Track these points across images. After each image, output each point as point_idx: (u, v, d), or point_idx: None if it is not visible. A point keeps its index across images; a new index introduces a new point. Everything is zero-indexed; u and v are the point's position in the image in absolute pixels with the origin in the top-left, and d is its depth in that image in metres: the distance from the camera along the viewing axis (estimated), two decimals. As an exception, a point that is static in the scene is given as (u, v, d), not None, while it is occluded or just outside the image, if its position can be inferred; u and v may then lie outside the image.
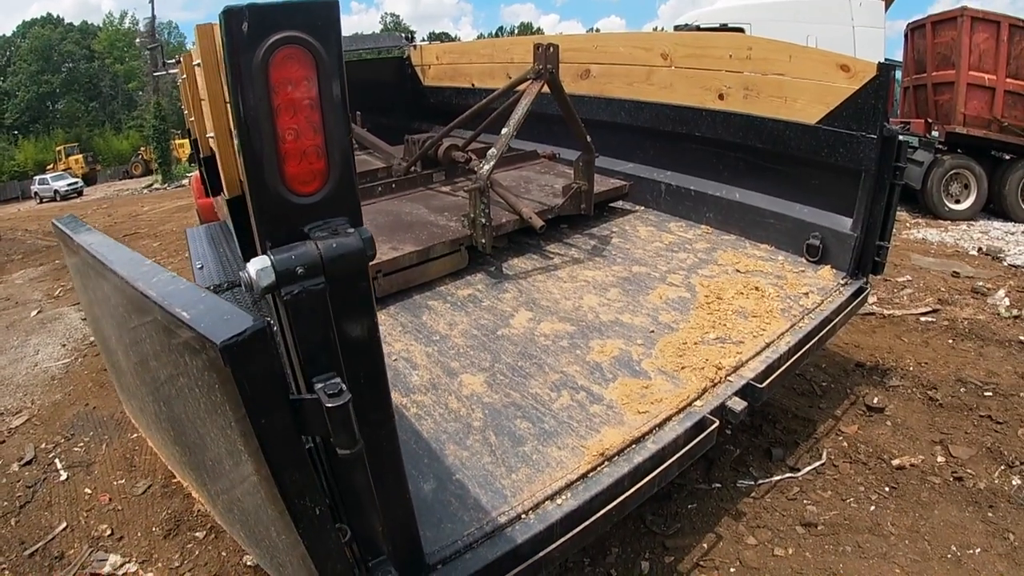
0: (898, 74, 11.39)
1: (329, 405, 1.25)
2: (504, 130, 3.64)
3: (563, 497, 2.09)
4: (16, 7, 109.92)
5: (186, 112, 4.62)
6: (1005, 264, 7.35)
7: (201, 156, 3.42)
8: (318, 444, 1.40)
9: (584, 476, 2.16)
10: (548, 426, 2.37)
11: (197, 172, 7.47)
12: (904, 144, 3.33)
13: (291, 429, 1.28)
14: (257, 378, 1.20)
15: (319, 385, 1.29)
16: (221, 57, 2.14)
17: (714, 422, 2.46)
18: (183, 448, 2.10)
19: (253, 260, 1.23)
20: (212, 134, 2.38)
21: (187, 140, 37.62)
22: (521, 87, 3.82)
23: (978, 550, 2.94)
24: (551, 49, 3.66)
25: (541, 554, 1.95)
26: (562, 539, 2.00)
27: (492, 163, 3.51)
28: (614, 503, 2.13)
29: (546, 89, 3.78)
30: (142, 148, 45.83)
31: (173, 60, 7.23)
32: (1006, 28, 9.23)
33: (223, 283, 3.73)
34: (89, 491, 3.64)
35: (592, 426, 2.37)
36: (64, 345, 5.98)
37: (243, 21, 1.17)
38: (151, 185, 34.01)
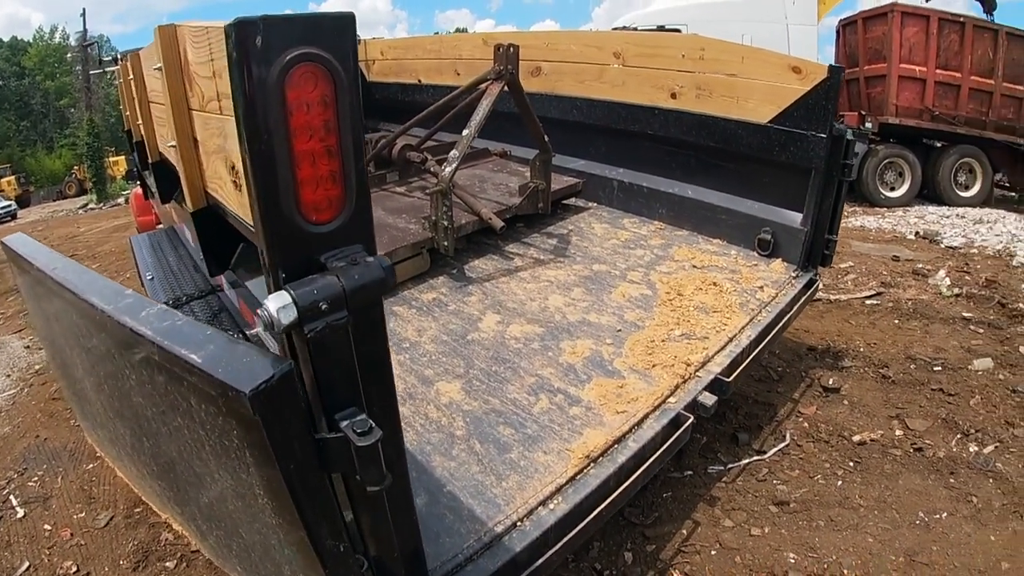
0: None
1: (360, 444, 1.21)
2: (465, 131, 3.62)
3: (555, 502, 2.11)
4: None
5: (127, 114, 4.43)
6: (942, 246, 7.67)
7: (150, 161, 3.27)
8: (332, 479, 1.35)
9: (572, 479, 2.19)
10: (531, 431, 2.39)
11: (137, 188, 7.17)
12: (852, 143, 3.45)
13: (316, 469, 1.24)
14: (285, 422, 1.16)
15: (344, 423, 1.24)
16: (184, 54, 2.06)
17: (689, 417, 2.52)
18: (169, 483, 2.03)
19: (271, 297, 1.16)
20: (173, 143, 2.28)
21: (122, 157, 36.37)
22: (480, 87, 3.81)
23: (944, 514, 3.08)
24: (512, 50, 3.65)
25: (540, 560, 1.96)
26: (558, 543, 2.02)
27: (455, 165, 3.48)
28: (604, 503, 2.16)
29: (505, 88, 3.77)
30: (76, 167, 44.21)
31: (110, 58, 6.96)
32: (935, 22, 9.68)
33: (180, 297, 3.63)
34: (49, 527, 3.50)
35: (574, 428, 2.40)
36: (8, 375, 5.72)
37: (256, 35, 1.09)
38: (86, 205, 32.78)
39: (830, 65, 3.40)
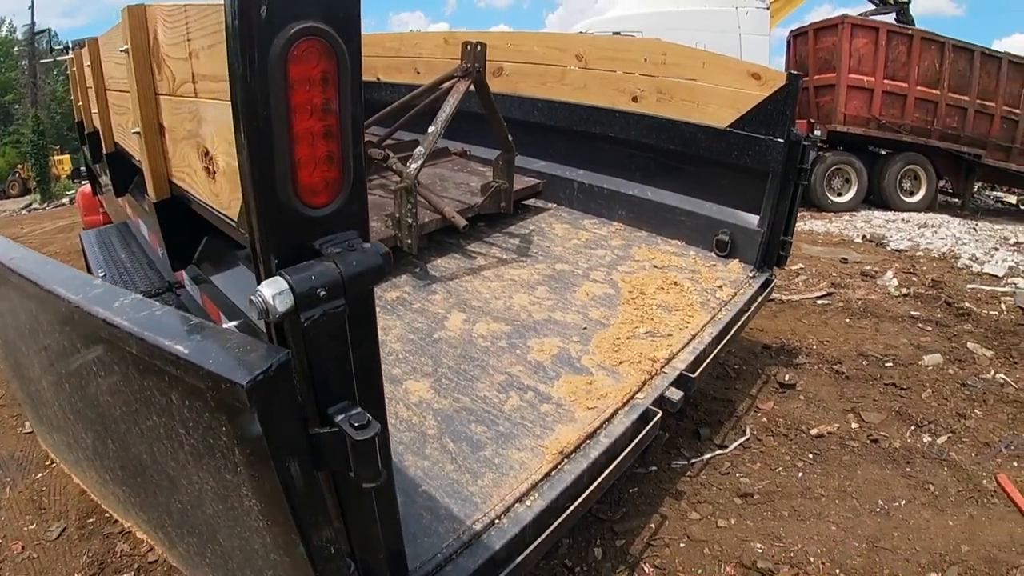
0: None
1: (358, 439, 1.15)
2: (431, 128, 3.61)
3: (531, 498, 2.10)
4: None
5: (79, 104, 4.26)
6: (889, 249, 7.93)
7: (104, 152, 3.12)
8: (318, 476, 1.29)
9: (547, 475, 2.19)
10: (503, 428, 2.39)
11: (85, 187, 6.91)
12: (808, 148, 3.54)
13: (309, 467, 1.19)
14: (282, 416, 1.11)
15: (340, 416, 1.19)
16: (154, 35, 1.98)
17: (657, 412, 2.55)
18: (134, 488, 1.94)
19: (267, 282, 1.10)
20: (137, 129, 2.19)
21: (67, 156, 35.12)
22: (446, 85, 3.80)
23: (903, 502, 3.20)
24: (480, 48, 3.66)
25: (520, 557, 1.95)
26: (536, 540, 2.01)
27: (420, 163, 3.46)
28: (580, 499, 2.17)
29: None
30: (19, 166, 42.67)
31: (61, 47, 6.67)
32: (884, 34, 10.06)
33: (150, 291, 3.52)
34: (-1, 540, 3.37)
35: (546, 425, 2.40)
36: (-52, 384, 5.50)
37: (262, 4, 1.03)
38: (30, 205, 31.60)
39: (789, 72, 3.50)
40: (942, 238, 8.32)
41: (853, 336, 5.08)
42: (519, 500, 2.08)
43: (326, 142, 1.15)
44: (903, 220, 9.60)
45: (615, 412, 2.51)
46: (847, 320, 5.45)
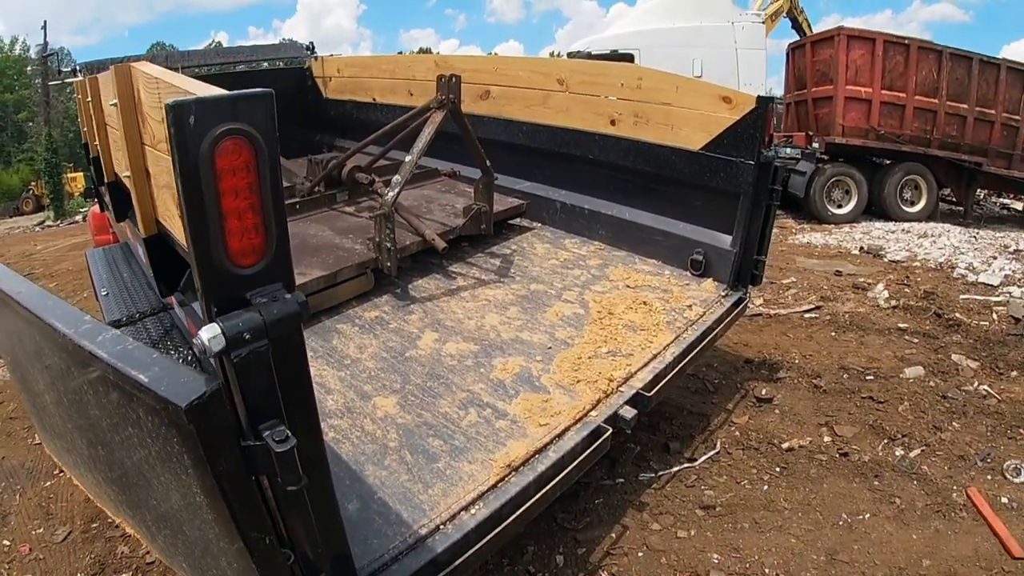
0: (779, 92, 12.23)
1: (278, 451, 1.39)
2: (407, 157, 3.77)
3: (476, 507, 2.27)
4: None
5: (85, 129, 4.53)
6: (885, 260, 7.96)
7: (106, 181, 3.41)
8: (262, 481, 1.53)
9: (494, 487, 2.35)
10: (459, 442, 2.55)
11: (95, 207, 7.17)
12: (779, 169, 3.64)
13: (243, 471, 1.43)
14: (215, 431, 1.34)
15: (266, 432, 1.43)
16: (139, 94, 2.22)
17: (607, 429, 2.68)
18: (121, 488, 2.17)
19: (204, 328, 1.35)
20: (128, 173, 2.43)
21: (80, 174, 35.62)
22: (425, 115, 3.95)
23: (867, 515, 3.27)
24: (454, 79, 3.81)
25: (460, 560, 2.13)
26: (478, 544, 2.18)
27: (397, 190, 3.63)
28: (522, 509, 2.32)
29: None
30: (33, 183, 43.37)
31: (69, 70, 6.94)
32: (881, 44, 10.08)
33: (134, 315, 3.72)
34: (8, 543, 3.57)
35: (498, 440, 2.56)
36: (-37, 396, 5.74)
37: (190, 115, 1.28)
38: (43, 222, 32.07)
39: (758, 96, 3.61)
40: (940, 248, 8.35)
41: (837, 350, 5.16)
42: (464, 508, 2.25)
43: (251, 215, 1.40)
44: (903, 230, 9.64)
45: (566, 429, 2.64)
46: (832, 334, 5.52)
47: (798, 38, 12.22)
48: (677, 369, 3.18)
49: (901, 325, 5.58)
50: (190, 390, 1.30)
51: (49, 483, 4.07)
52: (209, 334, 1.34)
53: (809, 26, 13.08)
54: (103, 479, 2.37)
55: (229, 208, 1.36)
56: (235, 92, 1.36)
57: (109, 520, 3.46)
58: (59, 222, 29.65)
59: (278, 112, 1.44)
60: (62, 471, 3.90)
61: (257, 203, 1.40)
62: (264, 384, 1.45)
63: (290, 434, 1.44)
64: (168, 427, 1.41)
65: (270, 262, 1.45)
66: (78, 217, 27.66)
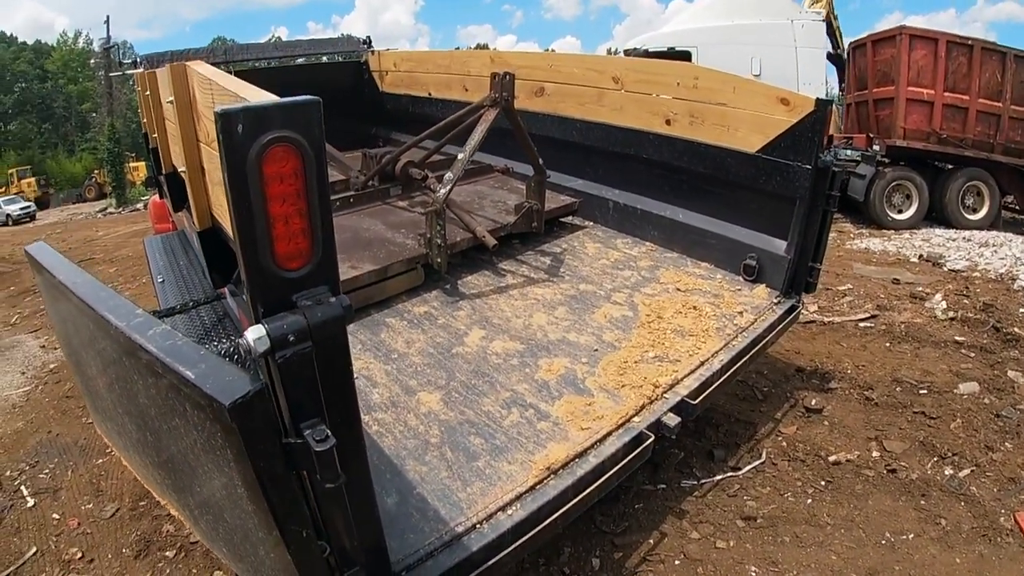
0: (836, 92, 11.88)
1: (318, 450, 1.43)
2: (460, 155, 3.79)
3: (513, 508, 2.28)
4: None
5: (145, 121, 4.66)
6: (945, 269, 7.68)
7: (164, 172, 3.51)
8: (303, 475, 1.57)
9: (532, 489, 2.36)
10: (499, 442, 2.56)
11: (155, 196, 7.37)
12: (838, 174, 3.53)
13: (283, 467, 1.47)
14: (257, 429, 1.38)
15: (307, 431, 1.47)
16: (194, 94, 2.27)
17: (650, 437, 2.66)
18: (167, 472, 2.23)
19: (250, 329, 1.40)
20: (183, 168, 2.50)
21: (142, 163, 36.73)
22: (477, 114, 3.96)
23: (911, 535, 3.16)
24: (507, 78, 3.80)
25: (493, 560, 2.15)
26: (512, 546, 2.19)
27: (449, 187, 3.66)
28: (558, 513, 2.32)
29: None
30: (96, 171, 44.93)
31: (130, 61, 7.13)
32: (943, 45, 9.70)
33: (188, 303, 3.81)
34: (57, 516, 3.70)
35: (539, 442, 2.56)
36: (23, 373, 5.95)
37: (238, 123, 1.32)
38: (105, 209, 33.27)
39: (817, 98, 3.50)
40: (1002, 258, 8.03)
41: (891, 361, 5.01)
42: (501, 509, 2.27)
43: (298, 220, 1.44)
44: (964, 238, 9.28)
45: (608, 434, 2.63)
46: (887, 344, 5.37)
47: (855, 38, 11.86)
48: (724, 377, 3.13)
49: (958, 338, 5.39)
50: (235, 389, 1.34)
51: (101, 460, 4.21)
52: (254, 335, 1.39)
53: (841, 35, 12.72)
54: (150, 462, 2.44)
55: (276, 214, 1.40)
56: (283, 100, 1.39)
57: (156, 500, 3.55)
58: (121, 209, 30.70)
59: (335, 105, 1.47)
60: (113, 449, 4.02)
61: (304, 208, 1.44)
62: (307, 384, 1.48)
63: (330, 433, 1.47)
64: (212, 422, 1.45)
65: (316, 265, 1.49)
66: (139, 205, 28.58)
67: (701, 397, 2.93)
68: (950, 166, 10.51)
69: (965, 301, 6.32)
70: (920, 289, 6.77)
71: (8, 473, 4.21)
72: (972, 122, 9.95)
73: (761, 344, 3.42)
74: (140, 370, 1.73)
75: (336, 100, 7.37)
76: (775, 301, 3.74)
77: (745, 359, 3.28)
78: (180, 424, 1.68)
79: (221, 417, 1.35)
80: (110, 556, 3.37)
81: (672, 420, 2.76)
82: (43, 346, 6.60)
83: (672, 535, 3.21)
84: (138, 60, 6.22)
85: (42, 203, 39.67)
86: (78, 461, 4.26)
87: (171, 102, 2.37)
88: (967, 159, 10.18)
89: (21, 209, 33.78)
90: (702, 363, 3.15)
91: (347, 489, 1.61)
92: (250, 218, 1.38)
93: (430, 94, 6.39)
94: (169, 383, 1.55)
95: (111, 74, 38.10)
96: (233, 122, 1.31)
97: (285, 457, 1.47)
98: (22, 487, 4.02)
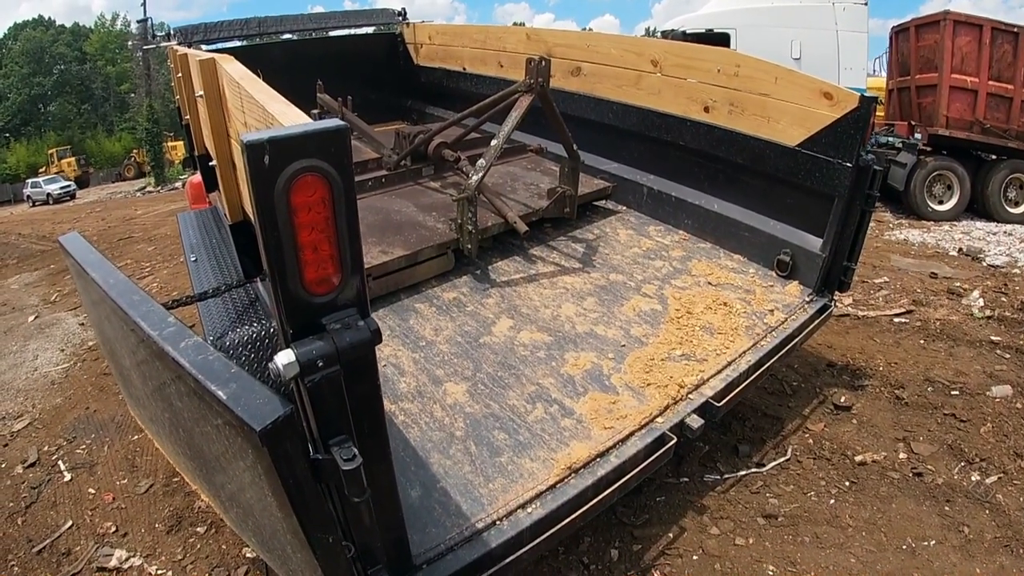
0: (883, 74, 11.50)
1: (345, 468, 1.48)
2: (493, 142, 3.77)
3: (533, 506, 2.31)
4: (5, 7, 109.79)
5: (179, 98, 4.68)
6: (984, 264, 7.52)
7: (196, 154, 3.55)
8: (330, 486, 1.61)
9: (552, 487, 2.38)
10: (523, 438, 2.58)
11: (193, 176, 7.43)
12: (879, 173, 3.45)
13: (311, 481, 1.50)
14: (287, 451, 1.40)
15: (335, 449, 1.51)
16: (223, 91, 2.27)
17: (672, 438, 2.66)
18: (198, 464, 2.27)
19: (280, 354, 1.43)
20: (214, 161, 2.52)
21: (180, 143, 37.25)
22: (512, 97, 3.92)
23: (933, 542, 3.13)
24: (543, 63, 3.75)
25: (512, 557, 2.18)
26: (531, 543, 2.23)
27: (481, 174, 3.63)
28: (578, 512, 2.35)
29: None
30: (135, 151, 45.65)
31: (163, 34, 7.15)
32: (988, 31, 9.38)
33: (220, 287, 3.85)
34: (93, 491, 3.81)
35: (562, 440, 2.58)
36: (63, 350, 6.10)
37: (264, 154, 1.31)
38: (144, 188, 33.87)
39: (862, 95, 3.40)
40: (1044, 255, 7.85)
41: (924, 360, 4.92)
42: (522, 506, 2.30)
43: (327, 247, 1.46)
44: (1005, 232, 9.07)
45: (631, 434, 2.64)
46: (921, 341, 5.27)
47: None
48: (750, 380, 3.10)
49: (994, 338, 5.27)
50: (265, 414, 1.35)
51: (136, 437, 4.32)
52: (284, 360, 1.42)
53: None
54: (182, 453, 2.49)
55: (305, 241, 1.42)
56: (308, 127, 1.38)
57: (188, 480, 3.65)
58: (159, 188, 31.19)
59: (369, 77, 1.46)
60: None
61: (332, 235, 1.45)
62: (335, 405, 1.52)
63: (357, 452, 1.51)
64: (243, 440, 1.48)
65: (344, 290, 1.51)
66: (177, 184, 29.00)
67: (726, 399, 2.92)
68: (993, 157, 10.19)
69: (1003, 299, 6.18)
70: (958, 285, 6.62)
71: (46, 448, 4.34)
72: (1017, 112, 9.60)
73: (790, 345, 3.38)
74: (172, 378, 1.76)
75: (370, 72, 7.43)
76: (807, 299, 3.68)
77: (773, 360, 3.25)
78: (212, 432, 1.70)
79: (251, 439, 1.38)
80: (143, 530, 3.47)
81: (695, 422, 2.76)
82: (82, 324, 6.74)
83: (692, 529, 3.22)
84: (171, 32, 6.23)
85: (82, 182, 40.68)
86: (114, 437, 4.37)
87: (201, 96, 2.38)
88: (1011, 150, 9.84)
89: (61, 188, 34.60)
90: (729, 363, 3.12)
91: (373, 498, 1.64)
92: (279, 246, 1.39)
93: (464, 68, 6.31)
94: (200, 398, 1.57)
95: (144, 47, 38.42)
96: (260, 153, 1.31)
97: (313, 472, 1.50)
98: (59, 462, 4.15)
